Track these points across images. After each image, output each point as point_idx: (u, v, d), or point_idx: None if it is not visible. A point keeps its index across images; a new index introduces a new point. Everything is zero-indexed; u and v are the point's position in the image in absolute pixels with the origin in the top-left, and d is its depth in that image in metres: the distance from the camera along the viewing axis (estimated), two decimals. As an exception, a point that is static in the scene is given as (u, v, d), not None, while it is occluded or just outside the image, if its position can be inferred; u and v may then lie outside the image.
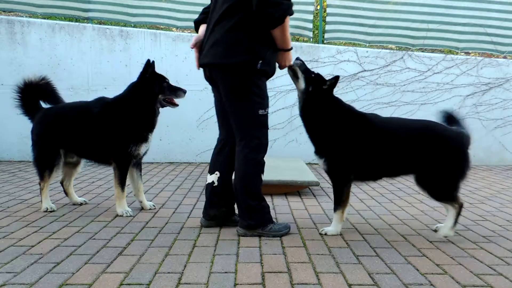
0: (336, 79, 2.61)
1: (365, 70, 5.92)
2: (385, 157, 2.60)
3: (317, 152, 2.69)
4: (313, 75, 2.63)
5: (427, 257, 2.30)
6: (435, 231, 2.78)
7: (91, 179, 4.49)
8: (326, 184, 4.27)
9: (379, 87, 5.94)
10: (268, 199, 3.67)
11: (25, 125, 5.58)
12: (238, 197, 2.60)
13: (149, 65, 2.96)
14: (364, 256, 2.30)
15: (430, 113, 5.95)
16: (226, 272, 2.04)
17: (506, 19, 6.11)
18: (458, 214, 2.56)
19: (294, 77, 2.65)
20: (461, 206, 2.57)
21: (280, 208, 3.38)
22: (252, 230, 2.57)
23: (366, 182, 2.88)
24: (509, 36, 6.16)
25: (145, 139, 3.04)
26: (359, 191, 4.05)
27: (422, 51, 6.32)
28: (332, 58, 5.87)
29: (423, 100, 6.00)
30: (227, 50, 2.42)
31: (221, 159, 2.72)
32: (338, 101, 2.68)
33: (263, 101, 2.55)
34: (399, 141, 2.58)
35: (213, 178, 2.70)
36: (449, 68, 6.00)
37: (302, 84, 2.62)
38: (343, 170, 2.64)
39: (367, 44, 6.11)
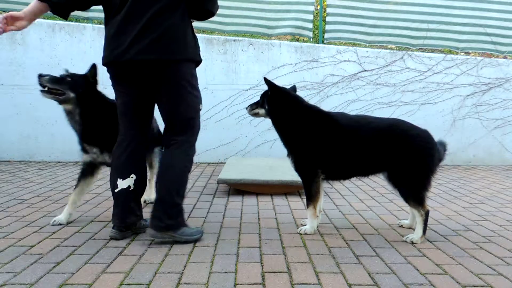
0: (264, 80, 2.72)
1: (365, 70, 5.92)
2: (351, 155, 2.64)
3: (287, 153, 2.79)
4: (260, 101, 2.83)
5: (427, 257, 2.30)
6: (402, 226, 2.89)
7: (91, 179, 4.48)
8: (326, 184, 4.27)
9: (379, 87, 5.94)
10: (268, 199, 3.68)
11: (25, 125, 5.63)
12: (165, 196, 2.40)
13: None
14: (364, 256, 2.30)
15: (430, 113, 6.00)
16: (226, 272, 2.04)
17: (506, 19, 6.10)
18: (426, 221, 2.55)
19: (258, 113, 2.85)
20: (427, 213, 2.56)
21: (280, 208, 3.38)
22: (164, 232, 2.40)
23: (340, 181, 2.96)
24: (509, 36, 6.16)
25: None
26: (359, 191, 4.05)
27: (422, 51, 6.32)
28: (332, 58, 5.87)
29: (423, 100, 6.00)
30: (173, 46, 2.33)
31: (135, 161, 2.53)
32: (298, 100, 2.77)
33: (200, 95, 2.54)
34: (365, 140, 2.61)
35: (129, 182, 2.48)
36: (449, 68, 6.00)
37: (262, 111, 2.81)
38: (307, 167, 2.71)
39: (367, 44, 6.11)
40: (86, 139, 2.78)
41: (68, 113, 2.74)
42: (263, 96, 2.80)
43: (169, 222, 2.40)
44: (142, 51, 2.30)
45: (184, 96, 2.43)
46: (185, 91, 2.43)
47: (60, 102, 2.68)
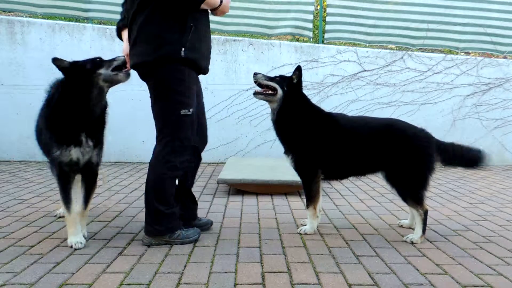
0: (298, 69, 2.66)
1: (365, 70, 5.92)
2: (350, 155, 2.64)
3: (286, 151, 2.75)
4: (278, 78, 2.71)
5: (427, 257, 2.30)
6: (402, 226, 2.89)
7: (91, 179, 4.48)
8: (326, 184, 4.27)
9: (379, 87, 5.94)
10: (268, 199, 3.68)
11: (25, 125, 5.62)
12: (147, 199, 2.41)
13: None
14: (364, 256, 2.30)
15: (430, 113, 6.00)
16: (226, 272, 2.04)
17: (506, 19, 6.11)
18: (425, 221, 2.56)
19: (269, 90, 2.67)
20: (426, 212, 2.56)
21: (280, 208, 3.38)
22: (159, 237, 2.41)
23: (339, 181, 2.92)
24: (509, 36, 6.16)
25: None
26: (359, 191, 4.05)
27: (422, 51, 6.32)
28: (332, 58, 5.87)
29: (423, 100, 6.00)
30: (146, 46, 2.28)
31: None
32: (307, 98, 2.76)
33: (187, 99, 2.34)
34: (363, 139, 2.61)
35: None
36: (449, 68, 6.00)
37: (279, 90, 2.66)
38: (308, 167, 2.70)
39: (367, 44, 6.11)
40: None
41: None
42: (285, 79, 2.69)
43: (158, 227, 2.40)
44: (131, 57, 2.41)
45: (161, 100, 2.35)
46: (162, 95, 2.34)
47: None
